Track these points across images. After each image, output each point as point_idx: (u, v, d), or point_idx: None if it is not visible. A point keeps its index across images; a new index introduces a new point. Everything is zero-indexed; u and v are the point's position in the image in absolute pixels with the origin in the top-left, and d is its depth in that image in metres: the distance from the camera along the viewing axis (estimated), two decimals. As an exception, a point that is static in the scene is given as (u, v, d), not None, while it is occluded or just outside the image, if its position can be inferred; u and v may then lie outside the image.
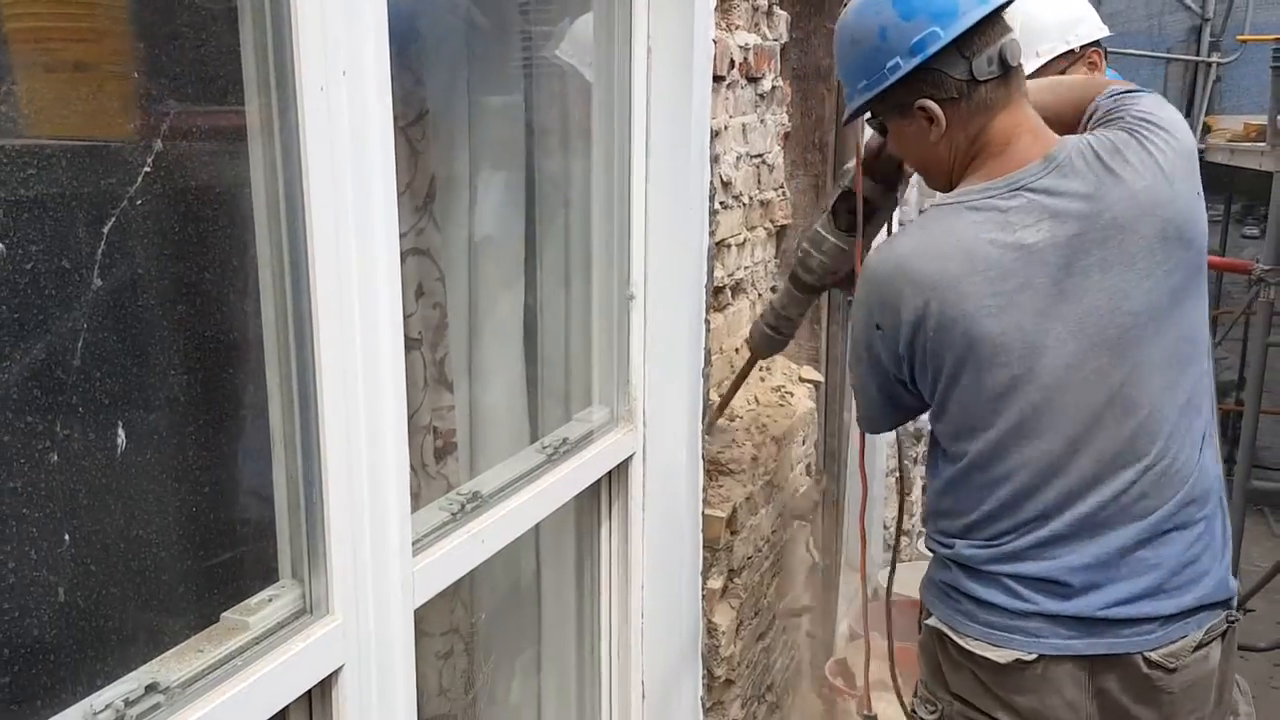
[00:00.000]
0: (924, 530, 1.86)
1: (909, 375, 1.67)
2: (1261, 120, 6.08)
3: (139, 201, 0.86)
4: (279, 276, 1.09)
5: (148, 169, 0.85)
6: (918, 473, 4.63)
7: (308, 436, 1.12)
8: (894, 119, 1.67)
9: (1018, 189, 1.57)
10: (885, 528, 4.33)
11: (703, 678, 2.24)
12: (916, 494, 4.68)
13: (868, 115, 1.73)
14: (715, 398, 2.34)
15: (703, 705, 2.25)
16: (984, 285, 1.55)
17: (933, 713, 1.75)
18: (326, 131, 1.06)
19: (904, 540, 4.68)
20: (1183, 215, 1.55)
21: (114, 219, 0.83)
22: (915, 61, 1.55)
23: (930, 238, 1.62)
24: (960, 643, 1.67)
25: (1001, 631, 1.63)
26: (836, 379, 3.29)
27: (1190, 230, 1.56)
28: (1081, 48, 2.50)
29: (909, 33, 1.54)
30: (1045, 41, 2.52)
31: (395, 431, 1.22)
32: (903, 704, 2.05)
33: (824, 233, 2.06)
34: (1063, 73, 2.49)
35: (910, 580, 3.87)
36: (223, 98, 1.01)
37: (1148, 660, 1.59)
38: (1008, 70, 1.58)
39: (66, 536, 0.91)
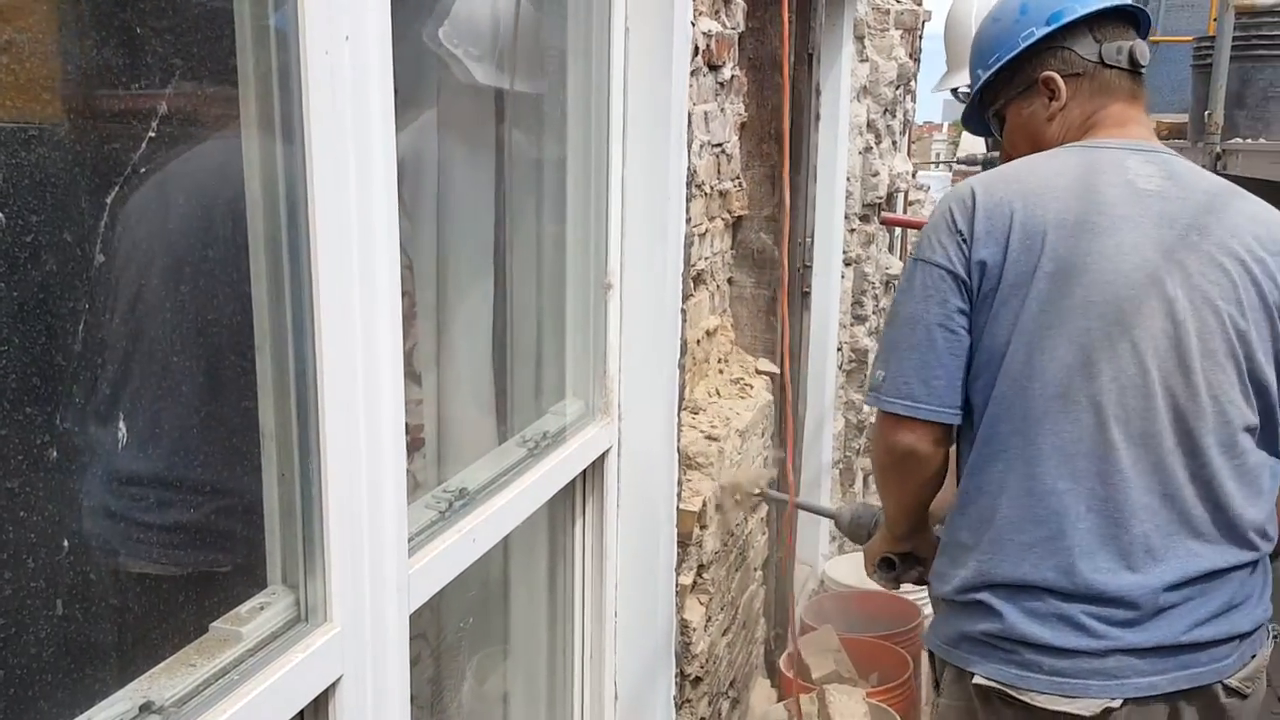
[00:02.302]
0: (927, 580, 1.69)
1: (974, 289, 1.51)
2: (1174, 119, 6.27)
3: (141, 170, 0.77)
4: (275, 259, 1.00)
5: (152, 134, 0.76)
6: (860, 464, 4.66)
7: (305, 431, 1.03)
8: (1014, 103, 1.70)
9: (1134, 149, 1.58)
10: (831, 534, 4.35)
11: (675, 676, 2.19)
12: (859, 486, 4.72)
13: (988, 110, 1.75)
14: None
15: (674, 704, 2.21)
16: (1080, 204, 1.50)
17: None
18: (330, 98, 0.98)
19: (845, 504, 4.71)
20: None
21: (116, 189, 0.74)
22: (1049, 29, 1.62)
23: (1033, 161, 1.60)
24: (1024, 699, 1.46)
25: (1075, 679, 1.44)
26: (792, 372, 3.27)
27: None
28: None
29: (1048, 5, 1.63)
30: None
31: (393, 422, 1.14)
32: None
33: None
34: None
35: (850, 572, 3.90)
36: (222, 65, 0.92)
37: (1227, 688, 1.48)
38: (1136, 69, 1.63)
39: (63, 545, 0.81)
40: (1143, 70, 1.65)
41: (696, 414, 2.55)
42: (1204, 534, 1.47)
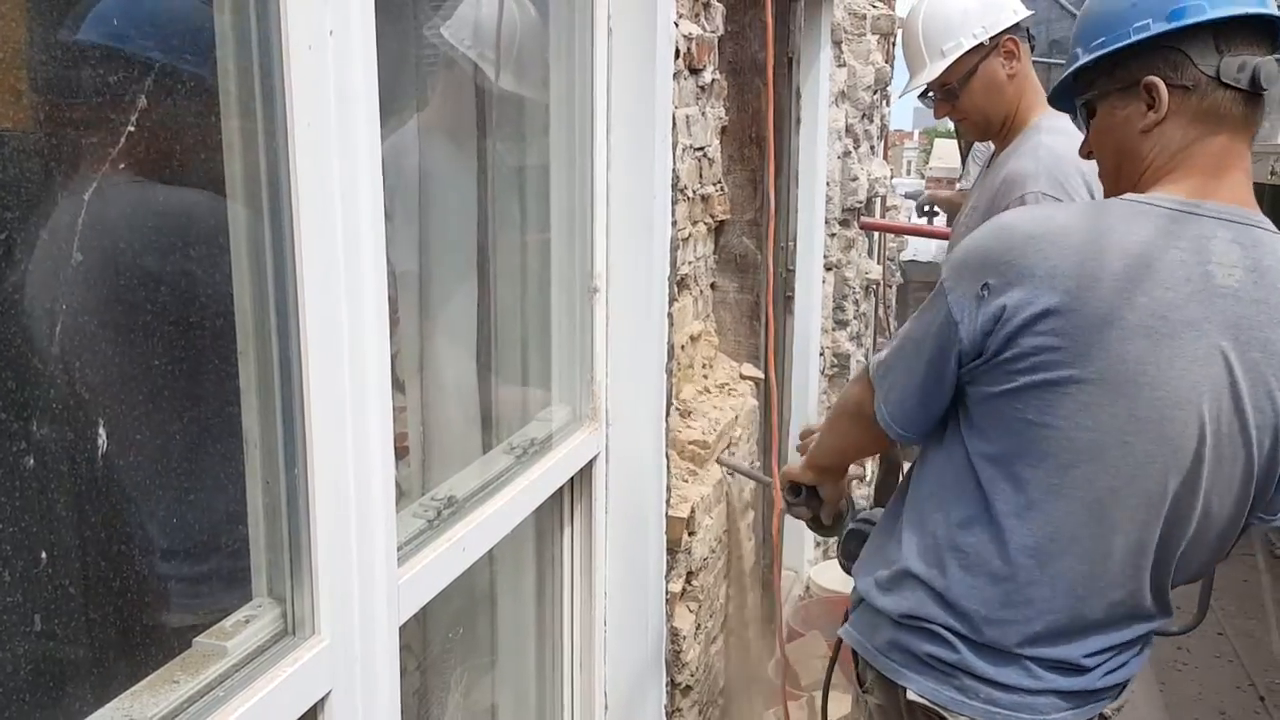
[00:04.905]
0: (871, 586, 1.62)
1: (978, 349, 1.41)
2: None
3: (120, 164, 0.74)
4: (258, 259, 0.97)
5: (131, 128, 0.73)
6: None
7: (290, 438, 1.00)
8: (1108, 99, 1.47)
9: (1225, 221, 1.37)
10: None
11: (665, 685, 2.16)
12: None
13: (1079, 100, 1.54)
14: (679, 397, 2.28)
15: (665, 713, 2.18)
16: (1145, 301, 1.33)
17: None
18: (314, 93, 0.95)
19: (831, 539, 4.70)
20: None
21: (94, 185, 0.70)
22: (1168, 26, 1.38)
23: (1101, 223, 1.38)
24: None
25: (1008, 710, 1.49)
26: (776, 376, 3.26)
27: None
28: (993, 39, 2.30)
29: None
30: (949, 38, 2.34)
31: (381, 428, 1.11)
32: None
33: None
34: (973, 71, 2.31)
35: (836, 578, 3.88)
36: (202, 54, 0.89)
37: (1103, 717, 1.58)
38: (1256, 93, 1.39)
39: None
40: (1264, 93, 1.40)
41: (687, 414, 2.53)
42: (1148, 613, 1.52)
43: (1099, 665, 1.52)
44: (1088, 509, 1.40)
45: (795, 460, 1.95)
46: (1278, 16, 1.39)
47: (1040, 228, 1.39)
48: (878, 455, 1.98)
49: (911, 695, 1.52)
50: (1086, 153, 1.57)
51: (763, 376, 3.07)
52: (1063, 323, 1.33)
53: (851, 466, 1.93)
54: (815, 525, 1.96)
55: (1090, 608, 1.47)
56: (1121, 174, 1.49)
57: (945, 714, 1.51)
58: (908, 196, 8.68)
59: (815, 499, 1.90)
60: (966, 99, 2.36)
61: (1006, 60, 2.30)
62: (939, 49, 2.36)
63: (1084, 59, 1.48)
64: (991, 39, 2.31)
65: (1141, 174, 1.44)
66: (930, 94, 2.46)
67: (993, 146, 2.50)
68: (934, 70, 2.38)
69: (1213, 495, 1.41)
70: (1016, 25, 2.32)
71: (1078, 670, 1.50)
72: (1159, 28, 1.39)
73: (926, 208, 5.38)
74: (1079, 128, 1.59)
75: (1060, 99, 1.62)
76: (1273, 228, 1.41)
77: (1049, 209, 1.60)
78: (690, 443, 2.34)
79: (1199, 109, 1.39)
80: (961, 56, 2.32)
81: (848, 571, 1.79)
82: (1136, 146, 1.44)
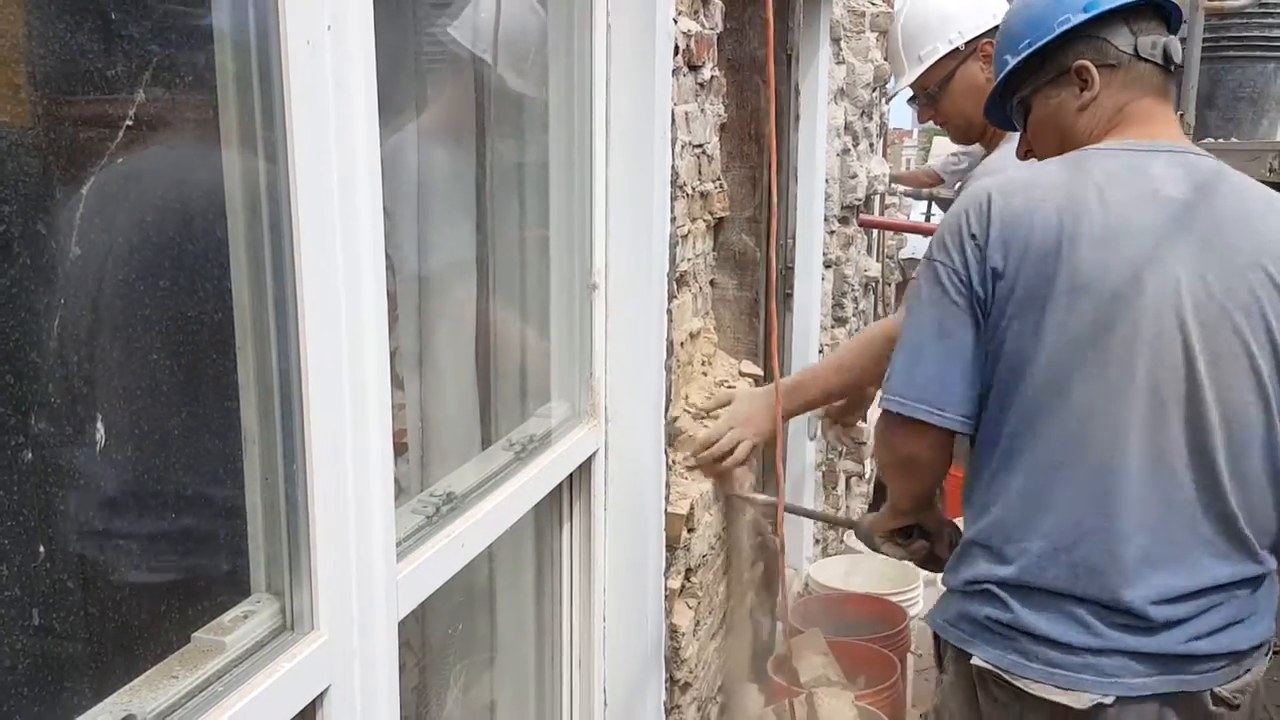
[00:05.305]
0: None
1: (988, 297, 1.52)
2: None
3: (118, 160, 0.74)
4: (257, 254, 0.97)
5: (129, 123, 0.73)
6: (842, 466, 4.65)
7: (289, 433, 1.00)
8: (1042, 91, 1.66)
9: (1161, 151, 1.56)
10: (815, 524, 4.33)
11: (664, 682, 2.16)
12: (841, 488, 4.71)
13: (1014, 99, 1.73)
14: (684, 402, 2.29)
15: (664, 710, 2.18)
16: (1101, 215, 1.48)
17: None
18: (312, 89, 0.95)
19: (830, 535, 4.71)
20: None
21: (92, 179, 0.70)
22: (1086, 16, 1.59)
23: (1051, 168, 1.58)
24: (1017, 685, 1.51)
25: (1070, 672, 1.48)
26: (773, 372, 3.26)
27: None
28: (969, 43, 2.30)
29: None
30: (926, 43, 2.34)
31: (380, 423, 1.11)
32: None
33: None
34: (951, 75, 2.31)
35: (835, 575, 3.89)
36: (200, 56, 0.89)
37: (1216, 696, 1.50)
38: (1169, 66, 1.62)
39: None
40: (1174, 67, 1.64)
41: (704, 417, 2.54)
42: (1211, 546, 1.48)
43: (1174, 622, 1.46)
44: (1079, 415, 1.47)
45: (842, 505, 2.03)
46: (1171, 2, 1.64)
47: (1000, 188, 1.56)
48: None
49: (976, 661, 1.55)
50: (1024, 152, 1.74)
51: (761, 373, 3.07)
52: (1037, 250, 1.48)
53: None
54: (934, 564, 1.93)
55: (1132, 530, 1.45)
56: (1065, 151, 1.64)
57: (1009, 678, 1.51)
58: (906, 194, 8.70)
59: (924, 535, 1.91)
60: (947, 103, 2.36)
61: (986, 64, 2.27)
62: (916, 54, 2.35)
63: (1014, 62, 1.67)
64: (968, 44, 2.29)
65: (1084, 145, 1.61)
66: (914, 97, 2.46)
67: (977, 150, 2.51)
68: (911, 75, 2.39)
69: (1224, 394, 1.46)
70: (997, 28, 2.26)
71: (1145, 625, 1.46)
72: (1079, 19, 1.60)
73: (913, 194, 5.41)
74: (1017, 127, 1.77)
75: (992, 110, 1.81)
76: (1206, 154, 1.60)
77: (1008, 171, 1.73)
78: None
79: (1125, 80, 1.61)
80: (938, 61, 2.31)
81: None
82: (1074, 124, 1.63)
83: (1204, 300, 1.47)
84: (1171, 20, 1.65)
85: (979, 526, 1.58)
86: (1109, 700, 1.47)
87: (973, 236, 1.52)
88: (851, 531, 2.21)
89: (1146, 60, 1.60)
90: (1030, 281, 1.48)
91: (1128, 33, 1.60)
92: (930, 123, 2.56)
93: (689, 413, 2.32)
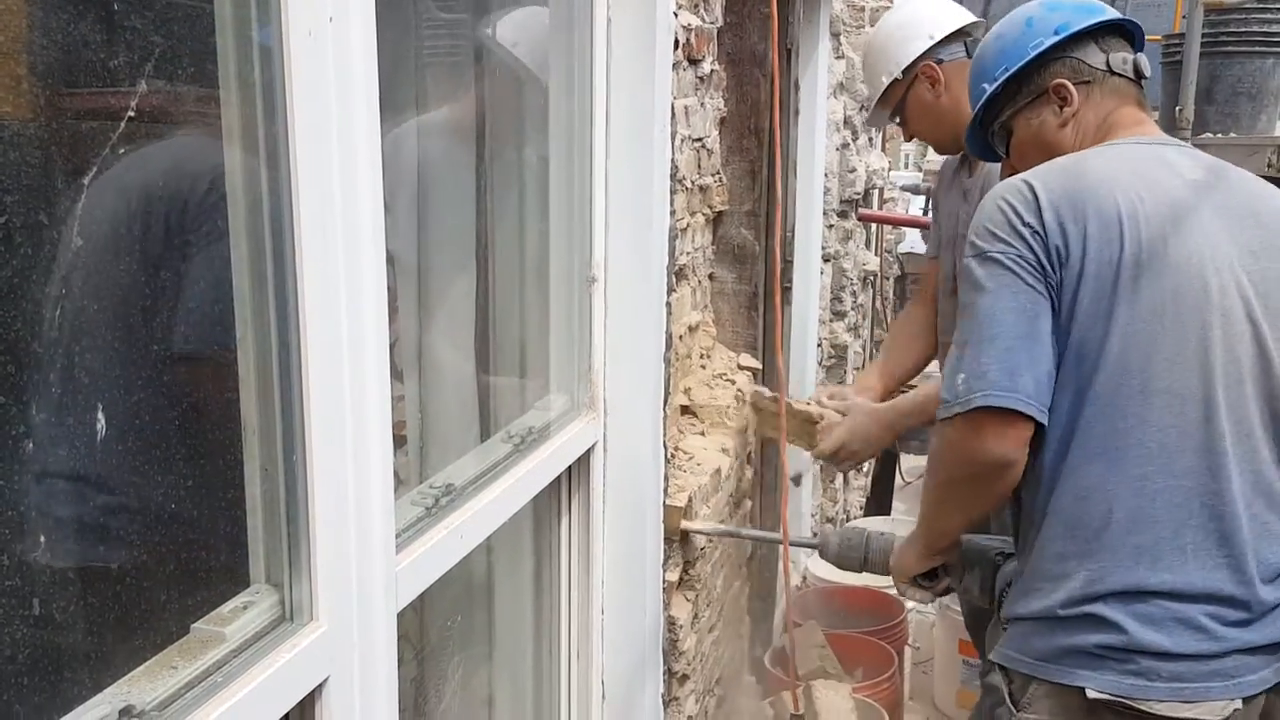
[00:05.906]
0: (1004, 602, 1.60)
1: (1057, 282, 1.46)
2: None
3: (120, 150, 0.74)
4: (257, 245, 0.97)
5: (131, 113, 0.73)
6: (840, 462, 4.64)
7: (289, 424, 1.00)
8: (1023, 115, 1.72)
9: (1165, 144, 1.62)
10: (812, 516, 4.34)
11: (663, 674, 2.17)
12: (839, 481, 4.71)
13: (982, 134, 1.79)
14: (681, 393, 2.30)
15: (662, 702, 2.18)
16: (1150, 195, 1.49)
17: None
18: (314, 80, 0.95)
19: (829, 527, 4.71)
20: None
21: (94, 169, 0.70)
22: (1057, 39, 1.66)
23: (1080, 158, 1.59)
24: (1143, 709, 1.41)
25: (1195, 683, 1.41)
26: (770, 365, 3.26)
27: None
28: (905, 70, 2.45)
29: (1053, 20, 1.68)
30: (876, 76, 2.53)
31: (380, 414, 1.11)
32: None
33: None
34: (904, 100, 2.48)
35: (832, 568, 3.89)
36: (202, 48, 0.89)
37: None
38: (1140, 79, 1.69)
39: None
40: (1145, 80, 1.71)
41: (706, 414, 2.56)
42: None
43: (1273, 606, 1.44)
44: (1161, 397, 1.44)
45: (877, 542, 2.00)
46: (1133, 21, 1.72)
47: (1039, 177, 1.54)
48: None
49: (1092, 693, 1.44)
50: (1009, 174, 1.71)
51: (760, 367, 3.07)
52: (1099, 230, 1.47)
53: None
54: (967, 596, 1.86)
55: (1231, 511, 1.42)
56: None
57: (1132, 704, 1.42)
58: (905, 189, 8.70)
59: (945, 571, 1.84)
60: (912, 123, 2.55)
61: (931, 85, 2.46)
62: (874, 87, 2.57)
63: (992, 89, 1.73)
64: (905, 71, 2.46)
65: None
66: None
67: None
68: (871, 106, 2.63)
69: (1237, 347, 1.47)
70: (931, 49, 2.43)
71: (1252, 616, 1.42)
72: (1050, 40, 1.67)
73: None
74: (999, 155, 1.82)
75: (972, 140, 1.85)
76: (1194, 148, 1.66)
77: (1037, 170, 1.69)
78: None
79: (1104, 92, 1.67)
80: (886, 91, 2.52)
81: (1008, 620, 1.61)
82: (1058, 140, 1.68)
83: (1255, 271, 1.50)
84: (1135, 39, 1.72)
85: (1063, 529, 1.48)
86: (1239, 704, 1.42)
87: (1027, 225, 1.47)
88: (817, 553, 2.18)
89: (1119, 75, 1.67)
90: (1099, 261, 1.45)
91: (1098, 50, 1.67)
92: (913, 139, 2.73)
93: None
